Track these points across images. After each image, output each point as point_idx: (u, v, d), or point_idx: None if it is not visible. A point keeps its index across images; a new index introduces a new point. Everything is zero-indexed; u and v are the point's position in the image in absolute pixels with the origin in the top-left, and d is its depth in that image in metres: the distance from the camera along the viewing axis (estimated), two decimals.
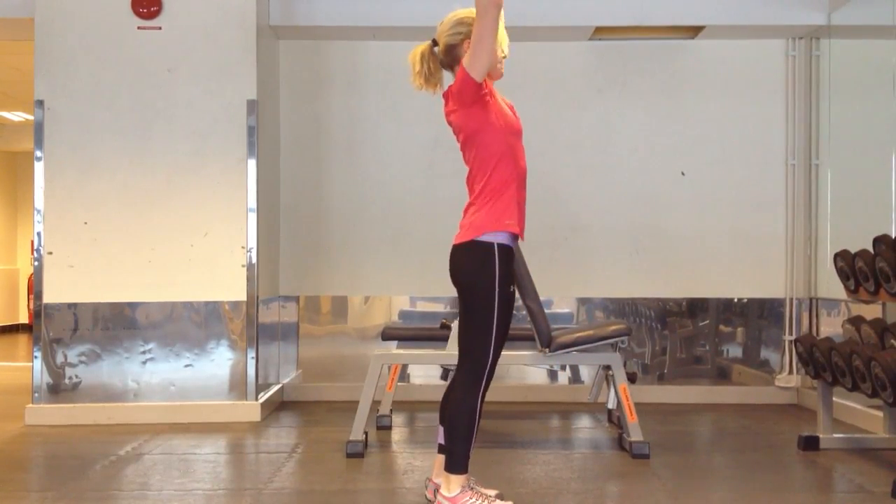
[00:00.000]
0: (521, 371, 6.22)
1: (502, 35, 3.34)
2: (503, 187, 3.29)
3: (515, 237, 3.35)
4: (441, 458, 3.47)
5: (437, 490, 3.43)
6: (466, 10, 3.30)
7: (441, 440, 3.47)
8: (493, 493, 3.50)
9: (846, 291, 4.59)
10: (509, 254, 3.31)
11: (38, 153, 5.37)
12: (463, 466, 3.33)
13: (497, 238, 3.27)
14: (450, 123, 3.37)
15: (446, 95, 3.35)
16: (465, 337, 3.35)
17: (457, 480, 3.32)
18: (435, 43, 3.38)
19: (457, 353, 3.38)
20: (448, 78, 3.40)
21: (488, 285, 3.25)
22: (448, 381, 3.60)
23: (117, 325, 5.39)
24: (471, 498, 3.31)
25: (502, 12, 3.18)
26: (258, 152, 5.45)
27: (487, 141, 3.28)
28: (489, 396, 5.76)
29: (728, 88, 6.16)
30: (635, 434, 4.40)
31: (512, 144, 3.33)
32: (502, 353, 3.41)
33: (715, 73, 6.17)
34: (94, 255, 5.37)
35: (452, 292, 3.45)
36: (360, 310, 6.36)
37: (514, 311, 3.55)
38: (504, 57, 3.36)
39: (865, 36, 5.58)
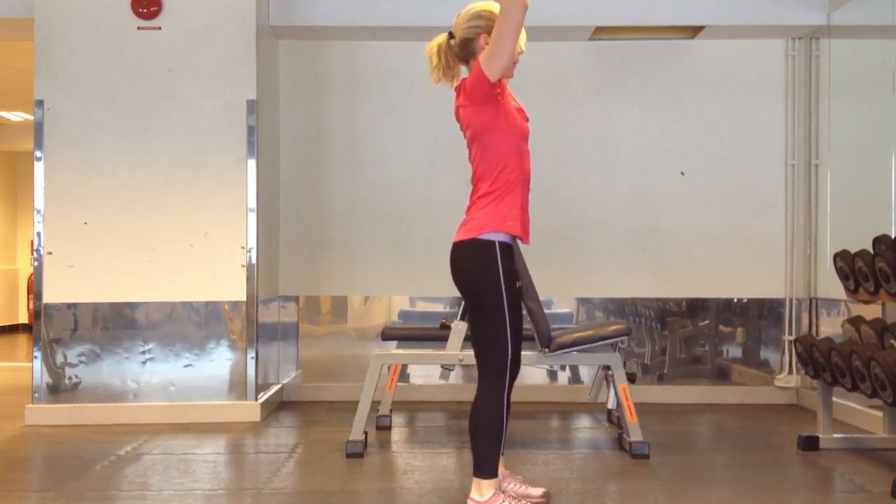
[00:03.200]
0: (521, 371, 6.10)
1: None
2: (508, 189, 3.21)
3: (515, 239, 3.29)
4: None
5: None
6: (485, 3, 3.21)
7: None
8: (538, 491, 3.51)
9: (846, 291, 4.59)
10: (510, 251, 3.25)
11: (38, 153, 5.37)
12: (493, 469, 3.23)
13: (498, 237, 3.20)
14: (458, 118, 3.28)
15: (458, 89, 3.26)
16: (480, 337, 3.28)
17: (488, 485, 3.22)
18: (451, 36, 3.28)
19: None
20: (464, 70, 3.32)
21: (494, 284, 3.18)
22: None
23: (117, 325, 5.39)
24: (503, 501, 3.24)
25: None
26: (258, 152, 5.45)
27: (495, 141, 3.21)
28: None
29: (728, 88, 6.16)
30: (635, 434, 4.40)
31: (519, 147, 3.26)
32: None
33: (715, 73, 6.17)
34: (94, 255, 5.37)
35: (452, 292, 3.44)
36: (359, 310, 6.35)
37: None
38: (521, 53, 3.25)
39: (865, 36, 5.58)
